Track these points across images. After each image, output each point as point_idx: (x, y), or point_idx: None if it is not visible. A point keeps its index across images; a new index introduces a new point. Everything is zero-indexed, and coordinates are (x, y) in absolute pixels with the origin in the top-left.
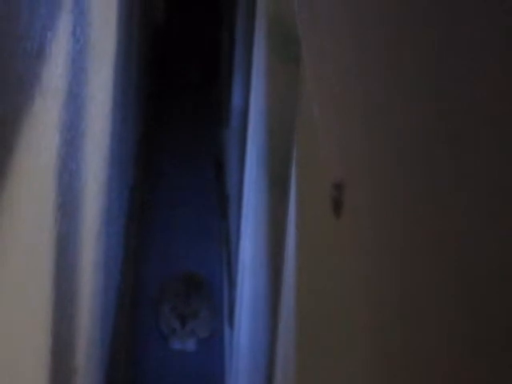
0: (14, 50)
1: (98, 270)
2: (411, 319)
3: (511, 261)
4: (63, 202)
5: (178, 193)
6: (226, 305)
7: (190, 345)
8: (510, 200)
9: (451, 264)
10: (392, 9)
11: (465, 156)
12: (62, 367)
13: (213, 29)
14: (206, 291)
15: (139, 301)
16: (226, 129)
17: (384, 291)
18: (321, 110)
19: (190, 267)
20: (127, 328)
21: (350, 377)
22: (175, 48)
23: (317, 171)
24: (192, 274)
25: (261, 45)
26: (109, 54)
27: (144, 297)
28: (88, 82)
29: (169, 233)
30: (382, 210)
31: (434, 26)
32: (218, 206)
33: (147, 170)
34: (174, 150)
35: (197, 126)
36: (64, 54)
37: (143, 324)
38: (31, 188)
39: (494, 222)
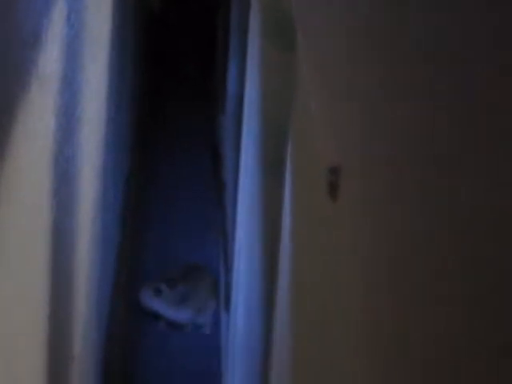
0: (10, 36)
1: (93, 257)
2: (404, 300)
3: (509, 265)
4: (59, 187)
5: (175, 183)
6: (222, 290)
7: (183, 315)
8: (509, 196)
9: (447, 251)
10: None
11: (462, 149)
12: (59, 354)
13: (208, 16)
14: (204, 274)
15: (136, 286)
16: (222, 115)
17: (379, 272)
18: (316, 95)
19: (188, 256)
20: (124, 313)
21: (345, 357)
22: (170, 36)
23: (313, 156)
24: (190, 263)
25: (256, 32)
26: (104, 39)
27: (142, 281)
28: (83, 67)
29: (167, 222)
30: (377, 194)
31: (431, 18)
32: (215, 193)
33: (143, 159)
34: (171, 139)
35: (193, 114)
36: (59, 39)
37: (139, 308)
38: (28, 173)
39: (492, 213)
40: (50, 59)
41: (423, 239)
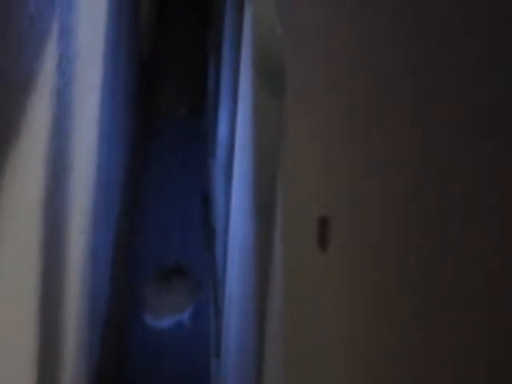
0: (1, 85)
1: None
2: (397, 350)
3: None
4: (50, 236)
5: (165, 226)
6: (212, 337)
7: (166, 320)
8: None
9: (441, 299)
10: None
11: (449, 186)
12: (51, 350)
13: (199, 62)
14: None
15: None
16: (212, 159)
17: (370, 325)
18: (306, 141)
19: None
20: (118, 312)
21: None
22: (162, 81)
23: (302, 205)
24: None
25: (247, 78)
26: (95, 86)
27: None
28: (74, 114)
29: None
30: (368, 245)
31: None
32: (205, 240)
33: (133, 203)
34: (161, 182)
35: (183, 159)
36: (50, 86)
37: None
38: (18, 220)
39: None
40: (40, 106)
41: (414, 290)
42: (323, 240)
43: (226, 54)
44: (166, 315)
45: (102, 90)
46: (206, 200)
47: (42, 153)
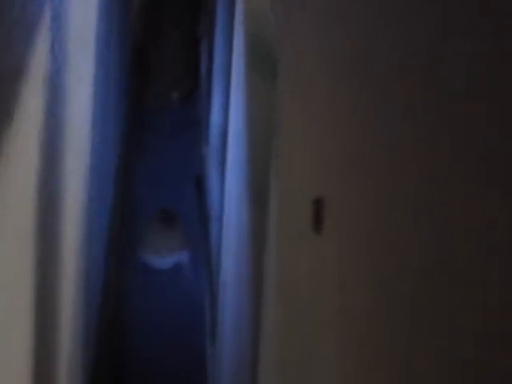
0: None
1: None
2: (387, 334)
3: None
4: (43, 220)
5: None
6: (208, 323)
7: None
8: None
9: (438, 283)
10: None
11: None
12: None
13: (192, 48)
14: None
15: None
16: (206, 145)
17: (363, 308)
18: (300, 125)
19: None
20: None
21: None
22: (154, 68)
23: (296, 186)
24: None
25: (240, 63)
26: (87, 71)
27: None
28: (67, 99)
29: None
30: (363, 226)
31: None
32: (200, 226)
33: (127, 190)
34: (154, 169)
35: (177, 145)
36: (42, 72)
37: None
38: (12, 205)
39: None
40: (32, 93)
41: (409, 274)
42: (317, 222)
43: (218, 40)
44: (166, 256)
45: (95, 77)
46: (200, 186)
47: (35, 140)
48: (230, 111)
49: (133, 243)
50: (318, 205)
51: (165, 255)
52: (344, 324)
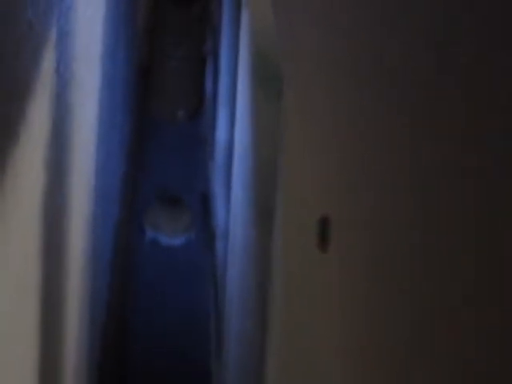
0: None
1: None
2: (394, 352)
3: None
4: (48, 238)
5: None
6: (213, 336)
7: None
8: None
9: (439, 301)
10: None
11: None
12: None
13: (197, 66)
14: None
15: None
16: (212, 162)
17: (369, 325)
18: (305, 143)
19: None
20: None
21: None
22: (160, 85)
23: (302, 205)
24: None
25: (245, 80)
26: (93, 89)
27: None
28: (72, 117)
29: (157, 264)
30: (369, 247)
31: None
32: (205, 241)
33: (132, 208)
34: (160, 186)
35: (183, 162)
36: (48, 91)
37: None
38: (17, 223)
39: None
40: (39, 110)
41: (414, 291)
42: (323, 241)
43: (224, 58)
44: (177, 233)
45: (101, 94)
46: (206, 203)
47: (42, 157)
48: (236, 129)
49: (141, 223)
50: (324, 223)
51: (171, 236)
52: (347, 337)
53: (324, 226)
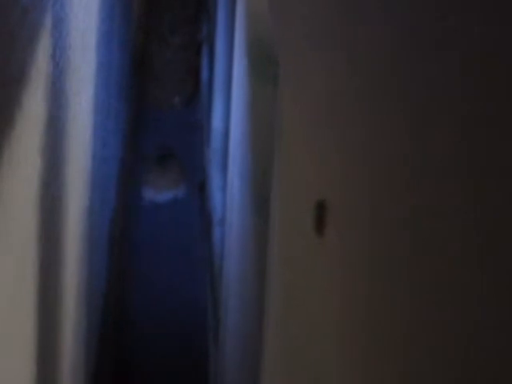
0: None
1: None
2: (391, 337)
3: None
4: (46, 227)
5: (159, 221)
6: (210, 323)
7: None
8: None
9: (437, 285)
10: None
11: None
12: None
13: (193, 52)
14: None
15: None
16: (208, 149)
17: (365, 308)
18: (301, 128)
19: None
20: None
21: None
22: (156, 72)
23: (298, 190)
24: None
25: (240, 66)
26: (89, 76)
27: None
28: (68, 105)
29: (153, 255)
30: (363, 229)
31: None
32: (202, 228)
33: (129, 197)
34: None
35: (179, 149)
36: (44, 77)
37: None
38: (14, 211)
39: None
40: (34, 97)
41: (407, 275)
42: (320, 224)
43: (219, 44)
44: (163, 190)
45: (96, 82)
46: (202, 190)
47: (38, 144)
48: (232, 115)
49: (137, 181)
50: (321, 208)
51: (162, 191)
52: (345, 323)
53: (320, 210)
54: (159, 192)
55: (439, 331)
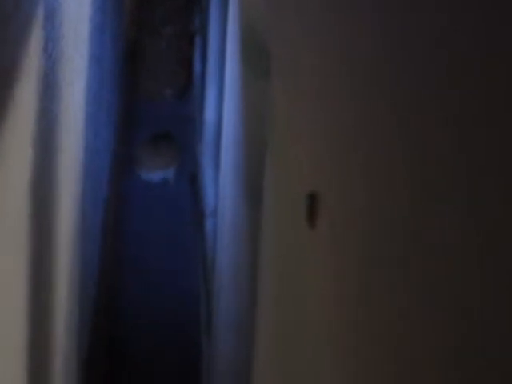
0: None
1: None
2: (383, 331)
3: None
4: (37, 215)
5: (150, 214)
6: (203, 313)
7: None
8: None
9: (431, 279)
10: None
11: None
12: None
13: (185, 44)
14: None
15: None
16: (200, 142)
17: (358, 300)
18: (293, 120)
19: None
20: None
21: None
22: (148, 64)
23: (290, 182)
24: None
25: (233, 58)
26: (81, 68)
27: None
28: (60, 96)
29: (143, 238)
30: (355, 220)
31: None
32: (194, 221)
33: (120, 186)
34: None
35: (170, 141)
36: (36, 68)
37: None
38: (6, 201)
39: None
40: (26, 89)
41: (397, 266)
42: (312, 216)
43: (212, 36)
44: (155, 170)
45: (88, 74)
46: (195, 183)
47: (30, 135)
48: (224, 107)
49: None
50: (313, 199)
51: (154, 171)
52: (338, 313)
53: (312, 202)
54: (151, 171)
55: (434, 327)
